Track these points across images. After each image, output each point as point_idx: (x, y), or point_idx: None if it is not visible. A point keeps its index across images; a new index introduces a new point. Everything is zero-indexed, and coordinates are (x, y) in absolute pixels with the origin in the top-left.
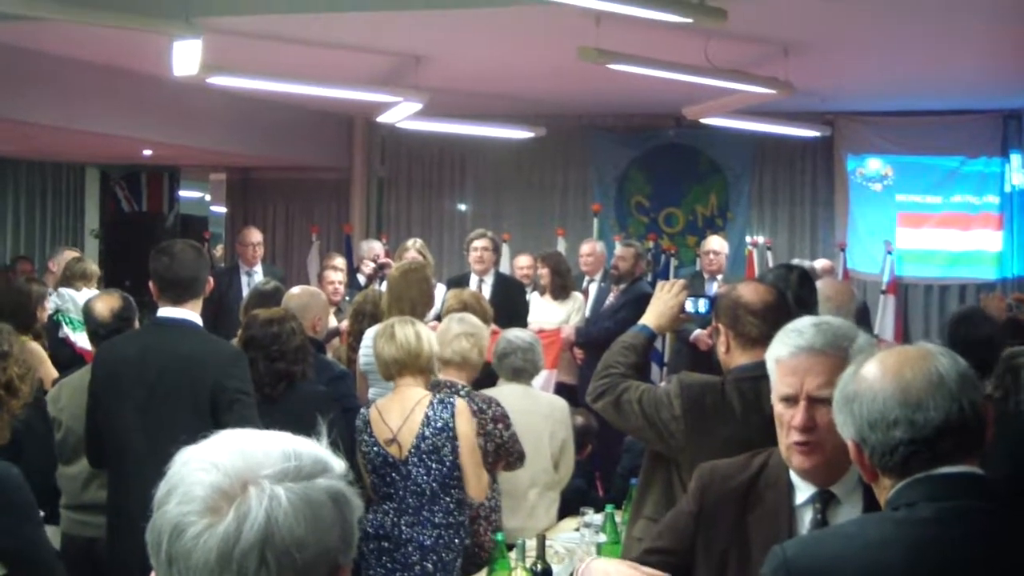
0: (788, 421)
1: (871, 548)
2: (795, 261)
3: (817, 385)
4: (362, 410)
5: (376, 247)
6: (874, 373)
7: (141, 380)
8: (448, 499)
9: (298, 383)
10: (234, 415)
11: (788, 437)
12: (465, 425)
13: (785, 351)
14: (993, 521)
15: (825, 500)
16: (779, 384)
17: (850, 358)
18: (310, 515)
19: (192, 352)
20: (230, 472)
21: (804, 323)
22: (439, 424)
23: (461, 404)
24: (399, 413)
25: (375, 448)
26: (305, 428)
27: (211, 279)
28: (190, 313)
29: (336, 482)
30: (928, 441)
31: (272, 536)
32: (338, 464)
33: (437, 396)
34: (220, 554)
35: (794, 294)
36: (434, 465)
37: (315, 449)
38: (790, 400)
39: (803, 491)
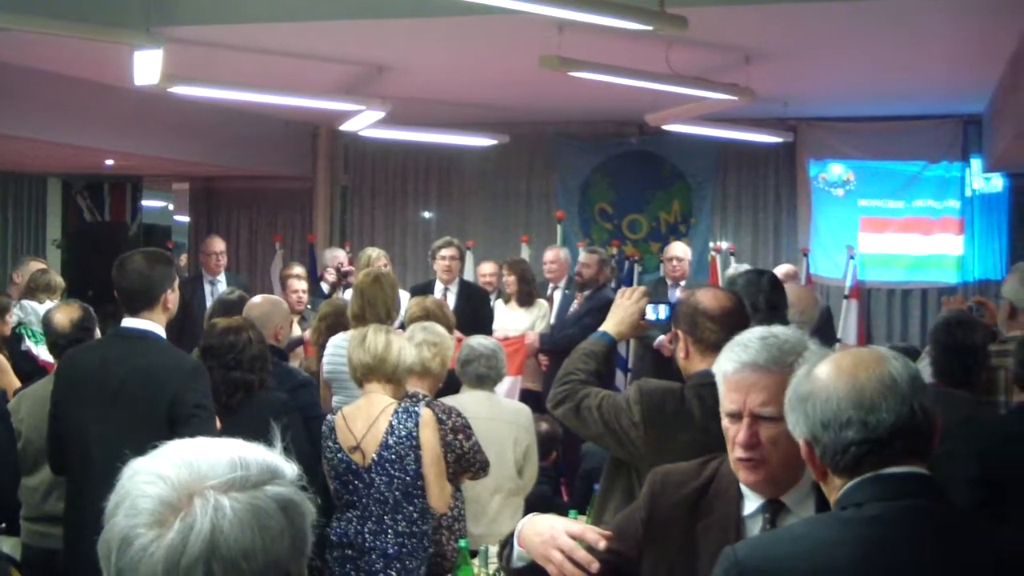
0: (733, 436)
1: (821, 548)
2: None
3: (760, 402)
4: (328, 416)
5: (340, 255)
6: (828, 374)
7: (102, 390)
8: (411, 508)
9: (256, 392)
10: (191, 429)
11: (733, 452)
12: (430, 435)
13: (730, 366)
14: (940, 519)
15: (775, 510)
16: (724, 399)
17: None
18: (257, 524)
19: (151, 364)
20: (176, 484)
21: (751, 336)
22: (403, 433)
23: (427, 414)
24: (364, 421)
25: (339, 455)
26: (263, 436)
27: (174, 290)
28: (152, 324)
29: (285, 489)
30: (880, 442)
31: (218, 547)
32: (290, 470)
33: (402, 405)
34: (167, 566)
35: (766, 298)
36: (397, 474)
37: (265, 456)
38: (734, 416)
39: (752, 501)
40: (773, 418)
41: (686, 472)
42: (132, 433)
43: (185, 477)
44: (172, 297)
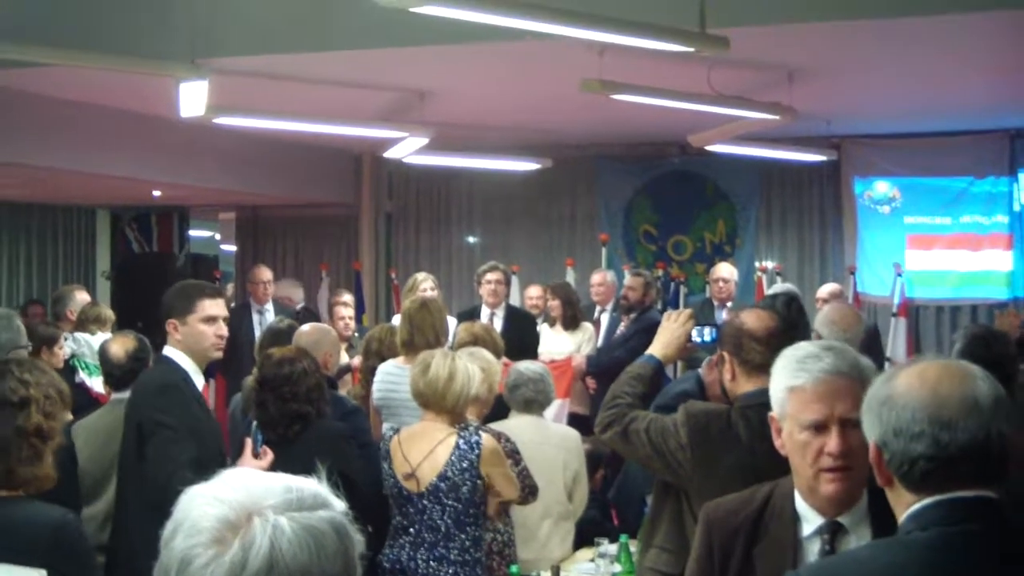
0: (817, 449)
1: (884, 572)
2: (778, 287)
3: (847, 408)
4: (384, 439)
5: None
6: (911, 382)
7: None
8: (464, 536)
9: (314, 421)
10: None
11: (816, 464)
12: (494, 463)
13: (806, 377)
14: (1007, 546)
15: (833, 531)
16: (802, 412)
17: (865, 381)
18: (313, 544)
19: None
20: (234, 505)
21: (814, 348)
22: (464, 465)
23: (488, 443)
24: (421, 449)
25: (391, 479)
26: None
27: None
28: (168, 347)
29: (337, 515)
30: (949, 460)
31: (277, 563)
32: (337, 503)
33: (463, 436)
34: None
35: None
36: (450, 503)
37: (314, 485)
38: (819, 427)
39: (810, 522)
40: (859, 425)
41: (738, 500)
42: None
43: (243, 498)
44: (173, 323)
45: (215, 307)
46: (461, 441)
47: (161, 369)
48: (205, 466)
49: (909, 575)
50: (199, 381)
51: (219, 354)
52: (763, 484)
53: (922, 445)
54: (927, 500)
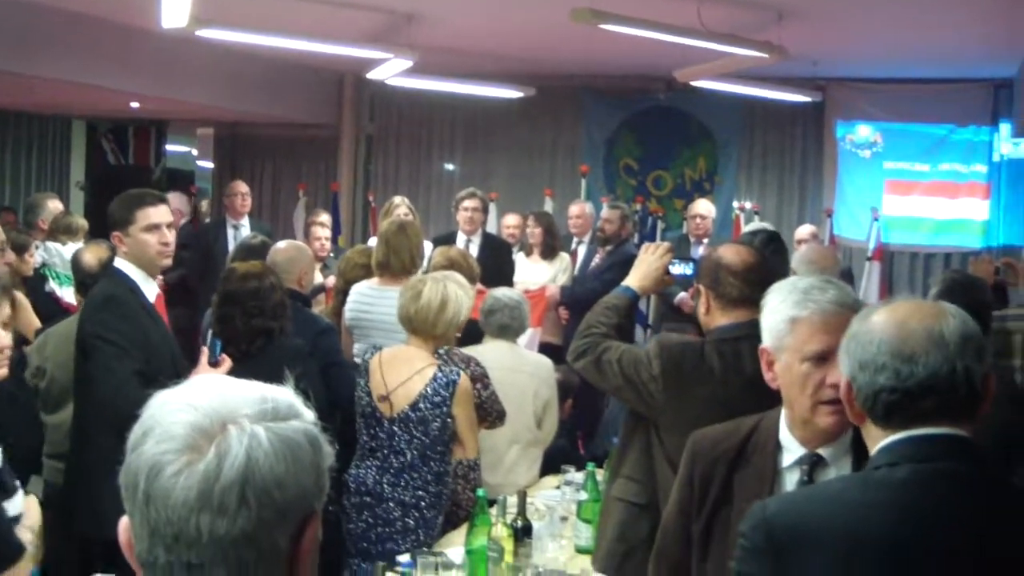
0: (818, 380)
1: (852, 509)
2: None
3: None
4: (366, 355)
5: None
6: (882, 318)
7: None
8: (426, 470)
9: (275, 339)
10: (91, 360)
11: (816, 396)
12: (464, 404)
13: (813, 308)
14: (974, 484)
15: (813, 462)
16: (806, 343)
17: None
18: (289, 455)
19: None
20: (209, 412)
21: (817, 281)
22: (437, 399)
23: (464, 383)
24: (399, 373)
25: (367, 399)
26: (280, 382)
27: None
28: (117, 258)
29: (310, 426)
30: (909, 394)
31: (252, 474)
32: (308, 414)
33: (442, 370)
34: (200, 492)
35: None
36: (418, 435)
37: (288, 395)
38: (821, 359)
39: (791, 452)
40: None
41: (724, 430)
42: (76, 371)
43: (218, 406)
44: (117, 235)
45: (157, 214)
46: (440, 375)
47: (107, 282)
48: (154, 378)
49: (876, 513)
50: (150, 290)
51: (167, 261)
52: (750, 416)
53: (884, 377)
54: (895, 436)
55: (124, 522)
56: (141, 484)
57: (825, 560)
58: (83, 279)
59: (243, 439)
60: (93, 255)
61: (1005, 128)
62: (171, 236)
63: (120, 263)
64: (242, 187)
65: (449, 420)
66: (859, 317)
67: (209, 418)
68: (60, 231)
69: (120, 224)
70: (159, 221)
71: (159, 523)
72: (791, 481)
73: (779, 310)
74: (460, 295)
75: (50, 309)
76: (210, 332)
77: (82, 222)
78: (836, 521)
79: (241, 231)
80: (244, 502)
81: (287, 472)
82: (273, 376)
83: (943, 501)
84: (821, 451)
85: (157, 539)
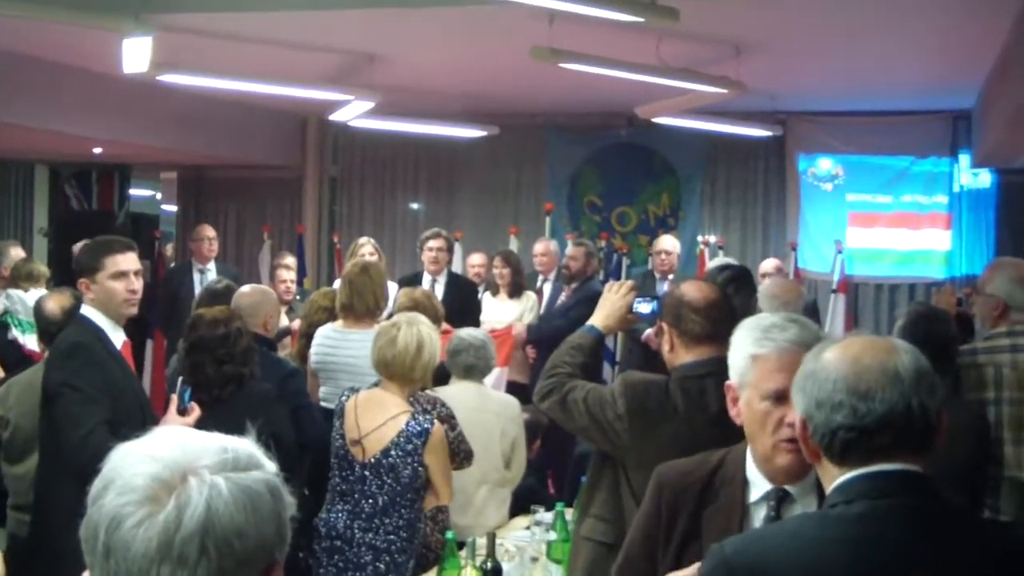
0: (778, 419)
1: (810, 546)
2: (724, 260)
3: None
4: (342, 397)
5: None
6: (835, 355)
7: None
8: (396, 516)
9: (247, 383)
10: (57, 409)
11: (776, 435)
12: (437, 453)
13: (771, 347)
14: (931, 519)
15: (780, 497)
16: (764, 381)
17: None
18: (249, 505)
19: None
20: (169, 463)
21: (778, 319)
22: (408, 447)
23: (437, 432)
24: (373, 418)
25: (340, 441)
26: (252, 427)
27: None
28: (84, 306)
29: (271, 477)
30: (867, 431)
31: (213, 525)
32: (269, 464)
33: (415, 419)
34: (160, 543)
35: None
36: (388, 481)
37: (247, 445)
38: (779, 397)
39: (758, 487)
40: None
41: (691, 463)
42: (41, 421)
43: (178, 456)
44: (85, 282)
45: (125, 262)
46: (413, 423)
47: (74, 329)
48: (121, 426)
49: (834, 549)
50: (117, 338)
51: (133, 310)
52: (717, 450)
53: (841, 415)
54: (851, 473)
55: None
56: (101, 536)
57: None
58: (46, 327)
59: (203, 490)
60: (56, 302)
61: (964, 159)
62: (138, 284)
63: (87, 310)
64: (209, 232)
65: (420, 468)
66: (811, 355)
67: (169, 469)
68: (21, 278)
69: (87, 271)
70: (127, 268)
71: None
72: (759, 517)
73: (741, 347)
74: (434, 337)
75: (13, 357)
76: (179, 379)
77: (43, 269)
78: (794, 559)
79: (207, 275)
80: (204, 553)
81: (247, 522)
82: (244, 422)
83: (899, 536)
84: (789, 487)
85: None
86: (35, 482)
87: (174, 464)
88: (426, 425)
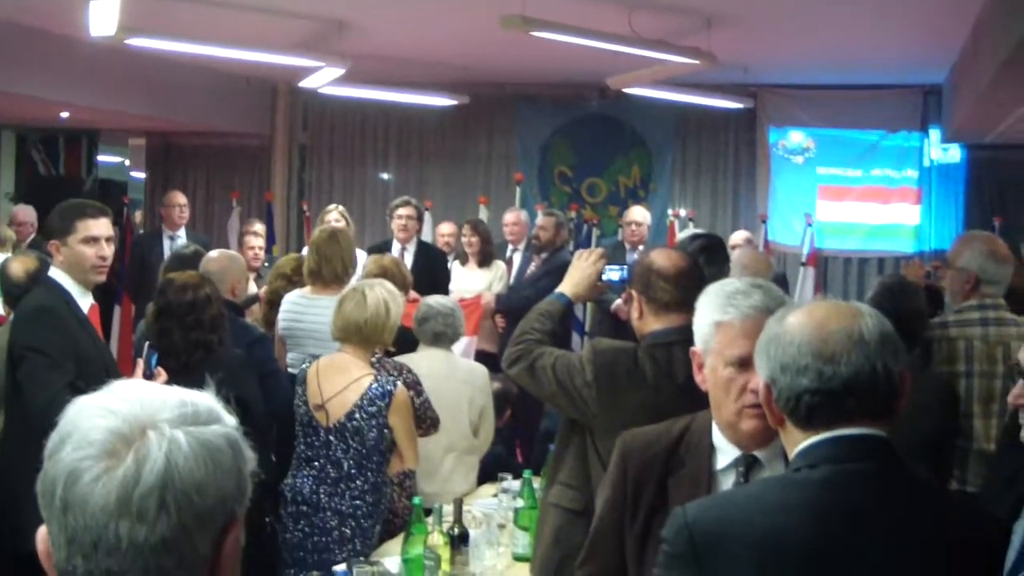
0: (741, 385)
1: (772, 511)
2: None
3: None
4: (304, 364)
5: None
6: (799, 319)
7: None
8: (362, 480)
9: (215, 349)
10: (22, 372)
11: (739, 401)
12: (401, 415)
13: (734, 313)
14: (893, 484)
15: (748, 464)
16: (728, 347)
17: None
18: (209, 459)
19: (15, 312)
20: (128, 417)
21: (742, 285)
22: (372, 409)
23: (401, 394)
24: (335, 382)
25: (304, 407)
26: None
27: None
28: (52, 268)
29: (231, 430)
30: (833, 394)
31: (172, 479)
32: (229, 419)
33: (378, 380)
34: (119, 497)
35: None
36: (354, 445)
37: (208, 400)
38: (743, 363)
39: (726, 454)
40: None
41: (655, 431)
42: (6, 382)
43: (137, 411)
44: (55, 243)
45: (97, 227)
46: (375, 385)
47: (40, 292)
48: (86, 390)
49: (796, 514)
50: (84, 303)
51: (101, 277)
52: (680, 417)
53: (807, 379)
54: (815, 438)
55: (42, 531)
56: (59, 491)
57: (746, 562)
58: (9, 289)
59: (162, 444)
60: (21, 265)
61: (935, 134)
62: (109, 250)
63: (55, 273)
64: (180, 198)
65: (386, 430)
66: (775, 319)
67: (128, 423)
68: None
69: (58, 233)
70: (98, 234)
71: (77, 531)
72: (727, 483)
73: (705, 313)
74: (398, 298)
75: None
76: (146, 344)
77: (9, 232)
78: (756, 523)
79: (177, 242)
80: (164, 508)
81: (207, 476)
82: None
83: (860, 500)
84: (757, 452)
85: (75, 547)
86: None
87: (132, 418)
88: (388, 387)
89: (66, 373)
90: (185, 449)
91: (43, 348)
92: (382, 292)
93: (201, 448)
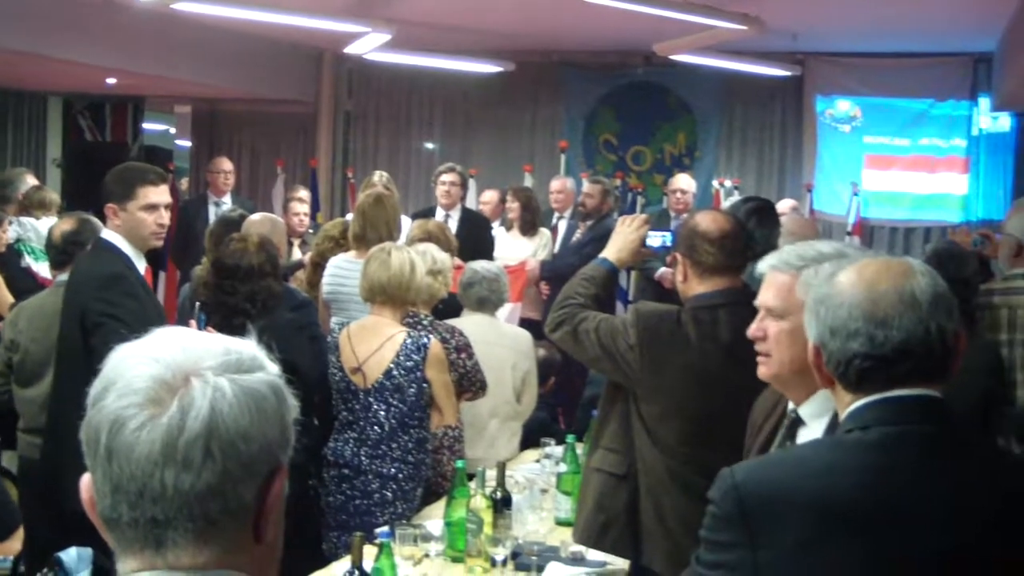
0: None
1: (822, 473)
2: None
3: (768, 297)
4: (333, 333)
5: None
6: (849, 279)
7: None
8: (407, 438)
9: (268, 311)
10: (98, 338)
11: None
12: (438, 368)
13: (762, 267)
14: (947, 446)
15: (792, 420)
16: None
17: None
18: (253, 407)
19: (74, 275)
20: (171, 365)
21: (791, 245)
22: (409, 364)
23: (436, 347)
24: (369, 344)
25: (339, 374)
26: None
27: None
28: (107, 231)
29: (275, 377)
30: (885, 359)
31: (217, 427)
32: (272, 366)
33: (411, 336)
34: (164, 445)
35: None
36: (395, 403)
37: (252, 348)
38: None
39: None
40: (772, 312)
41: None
42: (65, 345)
43: (181, 359)
44: (113, 207)
45: (157, 194)
46: (409, 340)
47: (102, 257)
48: None
49: (848, 477)
50: (140, 266)
51: (159, 243)
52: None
53: (857, 343)
54: (866, 399)
55: (86, 479)
56: (103, 439)
57: (796, 525)
58: (51, 252)
59: (207, 391)
60: (58, 228)
61: (984, 102)
62: (167, 218)
63: (111, 236)
64: (226, 164)
65: (425, 385)
66: (824, 279)
67: (172, 371)
68: (33, 206)
69: (117, 197)
70: (158, 201)
71: (122, 479)
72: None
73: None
74: (420, 260)
75: (26, 284)
76: (196, 304)
77: (55, 196)
78: (806, 486)
79: (223, 208)
80: (209, 455)
81: (252, 424)
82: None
83: (914, 463)
84: (800, 410)
85: (120, 495)
86: (49, 405)
87: (176, 366)
88: (423, 340)
89: (138, 339)
90: (229, 396)
91: (121, 316)
92: (405, 253)
93: (245, 395)
